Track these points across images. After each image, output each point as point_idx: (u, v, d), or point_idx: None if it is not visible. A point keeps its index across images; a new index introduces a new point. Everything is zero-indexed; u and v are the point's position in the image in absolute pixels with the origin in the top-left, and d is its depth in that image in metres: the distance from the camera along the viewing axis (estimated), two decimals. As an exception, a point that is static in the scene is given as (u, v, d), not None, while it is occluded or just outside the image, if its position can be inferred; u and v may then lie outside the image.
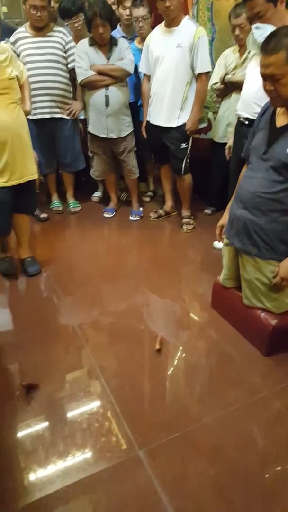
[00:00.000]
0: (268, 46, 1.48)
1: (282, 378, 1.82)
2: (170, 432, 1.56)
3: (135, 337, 2.07)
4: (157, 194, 3.73)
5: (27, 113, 2.41)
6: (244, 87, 2.34)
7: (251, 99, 2.23)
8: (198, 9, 3.23)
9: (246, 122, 2.31)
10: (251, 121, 2.24)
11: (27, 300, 2.41)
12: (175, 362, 1.94)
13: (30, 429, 1.59)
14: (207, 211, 3.36)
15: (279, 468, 1.46)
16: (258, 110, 2.07)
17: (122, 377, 1.82)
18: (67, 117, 3.07)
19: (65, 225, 3.28)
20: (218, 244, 2.78)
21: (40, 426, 1.60)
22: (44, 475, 1.42)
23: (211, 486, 1.39)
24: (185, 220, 3.19)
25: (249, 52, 2.66)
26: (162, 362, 1.92)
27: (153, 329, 2.15)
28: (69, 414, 1.65)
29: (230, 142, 2.68)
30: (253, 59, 2.30)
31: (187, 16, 2.72)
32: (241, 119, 2.37)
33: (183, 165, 2.97)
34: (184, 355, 1.99)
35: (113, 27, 2.83)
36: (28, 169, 2.32)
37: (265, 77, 1.54)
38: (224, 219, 2.03)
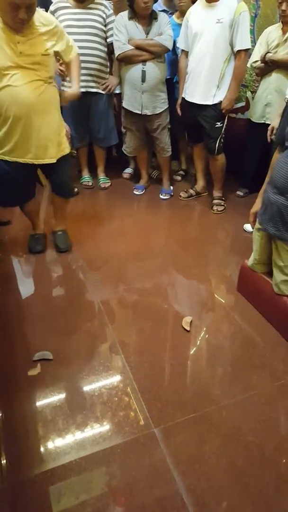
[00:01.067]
0: None
1: (305, 365, 1.72)
2: (187, 412, 1.51)
3: (158, 316, 2.01)
4: (188, 173, 3.60)
5: (74, 96, 2.19)
6: None
7: None
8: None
9: None
10: None
11: (53, 273, 2.38)
12: (197, 343, 1.87)
13: (49, 399, 1.57)
14: (239, 192, 3.20)
15: (296, 456, 1.39)
16: None
17: (142, 354, 1.77)
18: (103, 92, 2.95)
19: (94, 200, 3.22)
20: (248, 227, 2.64)
21: (58, 397, 1.58)
22: (60, 445, 1.40)
23: (225, 468, 1.34)
24: (216, 201, 3.06)
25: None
26: (183, 342, 1.85)
27: (177, 309, 2.09)
28: (88, 388, 1.62)
29: (274, 123, 2.48)
30: None
31: (228, -9, 2.52)
32: None
33: (217, 145, 2.82)
34: (206, 336, 1.92)
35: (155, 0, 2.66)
36: (47, 151, 2.07)
37: None
38: (257, 205, 1.89)
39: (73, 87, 2.20)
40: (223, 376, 1.69)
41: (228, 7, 2.44)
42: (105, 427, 1.47)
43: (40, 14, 1.89)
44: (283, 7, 2.42)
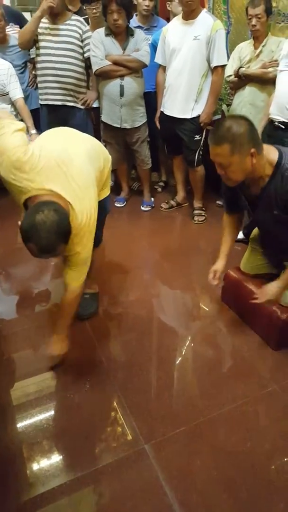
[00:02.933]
0: (214, 138, 1.44)
1: (290, 372, 1.73)
2: (177, 426, 1.49)
3: (144, 328, 1.99)
4: (169, 184, 3.61)
5: None
6: (279, 88, 2.19)
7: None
8: (214, 2, 3.08)
9: (283, 127, 2.17)
10: (287, 125, 2.12)
11: (33, 289, 2.31)
12: (184, 355, 1.86)
13: (34, 420, 1.52)
14: (219, 202, 3.23)
15: (285, 463, 1.38)
16: None
17: (129, 368, 1.74)
18: (80, 106, 2.95)
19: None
20: None
21: (44, 417, 1.54)
22: (48, 468, 1.35)
23: (217, 481, 1.32)
24: (196, 212, 3.07)
25: (264, 45, 2.51)
26: (170, 354, 1.83)
27: (163, 320, 2.07)
28: (74, 406, 1.58)
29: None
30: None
31: (204, 9, 2.60)
32: (276, 123, 2.22)
33: (196, 157, 2.85)
34: (193, 347, 1.91)
35: (129, 17, 2.68)
36: None
37: (215, 163, 1.49)
38: (220, 262, 1.87)
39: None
40: (211, 386, 1.67)
41: (205, 25, 2.49)
42: (95, 446, 1.43)
43: None
44: (253, 22, 2.48)
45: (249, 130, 1.42)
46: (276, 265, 1.83)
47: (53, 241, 1.29)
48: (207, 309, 2.16)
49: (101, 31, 2.70)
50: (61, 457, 1.39)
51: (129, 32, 2.70)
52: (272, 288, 1.65)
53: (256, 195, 1.59)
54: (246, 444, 1.43)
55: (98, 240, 1.89)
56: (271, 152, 1.50)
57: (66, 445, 1.42)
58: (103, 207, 1.75)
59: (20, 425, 1.50)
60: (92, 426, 1.49)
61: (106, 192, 1.82)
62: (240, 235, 2.57)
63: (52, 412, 1.56)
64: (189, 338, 1.96)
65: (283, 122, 2.15)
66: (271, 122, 2.28)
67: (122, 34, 2.68)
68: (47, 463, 1.37)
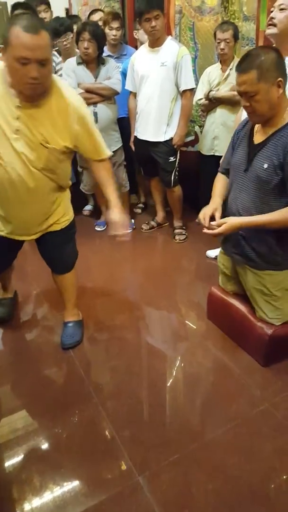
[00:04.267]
0: (241, 66, 1.46)
1: (281, 388, 1.70)
2: (171, 453, 1.43)
3: (132, 353, 1.94)
4: (148, 205, 3.62)
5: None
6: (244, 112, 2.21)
7: None
8: (180, 29, 3.17)
9: None
10: None
11: (16, 318, 2.23)
12: (174, 378, 1.82)
13: (22, 457, 1.45)
14: (198, 220, 3.25)
15: (284, 483, 1.34)
16: None
17: (118, 397, 1.68)
18: None
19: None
20: (211, 253, 2.66)
21: (32, 454, 1.46)
22: (39, 509, 1.28)
23: (215, 507, 1.27)
24: (177, 231, 3.08)
25: (231, 68, 2.59)
26: (160, 379, 1.79)
27: (150, 342, 2.04)
28: (63, 441, 1.51)
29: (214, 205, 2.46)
30: None
31: (170, 37, 2.67)
32: None
33: (172, 178, 2.88)
34: (182, 369, 1.87)
35: (101, 48, 2.74)
36: (29, 230, 1.77)
37: (241, 94, 1.51)
38: (210, 206, 1.75)
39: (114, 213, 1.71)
40: (203, 409, 1.64)
41: (171, 52, 2.56)
42: (86, 482, 1.36)
43: None
44: (222, 46, 2.56)
45: (277, 59, 1.44)
46: (235, 248, 1.77)
47: None
48: (194, 328, 2.14)
49: (73, 60, 2.75)
50: (52, 496, 1.31)
51: (100, 61, 2.75)
52: (233, 221, 1.59)
53: (259, 143, 1.58)
54: (242, 468, 1.39)
55: (71, 261, 1.99)
56: None
57: (57, 483, 1.35)
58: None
59: (8, 463, 1.42)
60: (83, 461, 1.42)
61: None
62: (211, 254, 2.59)
63: (40, 449, 1.48)
64: (178, 360, 1.92)
65: None
66: None
67: (94, 63, 2.73)
68: (38, 502, 1.29)
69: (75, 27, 2.97)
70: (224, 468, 1.39)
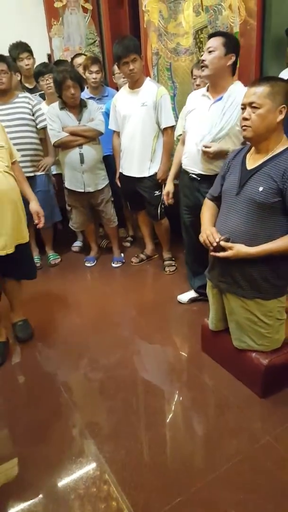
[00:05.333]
0: (255, 81, 1.61)
1: (281, 419, 1.69)
2: (173, 497, 1.39)
3: (128, 391, 1.91)
4: (137, 238, 3.66)
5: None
6: (188, 144, 2.27)
7: (198, 155, 2.18)
8: (158, 70, 3.33)
9: (198, 178, 2.25)
10: (202, 176, 2.22)
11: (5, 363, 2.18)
12: (172, 416, 1.78)
13: (18, 509, 1.39)
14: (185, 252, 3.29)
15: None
16: (209, 165, 2.14)
17: (116, 439, 1.64)
18: (40, 173, 3.03)
19: (46, 279, 3.11)
20: (183, 298, 2.63)
21: (29, 505, 1.41)
22: None
23: None
24: (166, 262, 3.11)
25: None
26: (158, 418, 1.76)
27: (147, 378, 2.01)
28: (60, 490, 1.46)
29: (169, 187, 2.60)
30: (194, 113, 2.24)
31: (148, 78, 2.79)
32: (191, 175, 2.29)
33: (159, 211, 2.94)
34: (180, 406, 1.84)
35: (82, 90, 2.86)
36: None
37: (245, 106, 1.59)
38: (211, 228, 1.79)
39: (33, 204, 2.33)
40: (203, 447, 1.60)
41: (150, 92, 2.67)
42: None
43: None
44: (197, 82, 2.68)
45: (287, 89, 1.55)
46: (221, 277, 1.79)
47: None
48: (190, 362, 2.12)
49: (56, 105, 2.85)
50: None
51: (82, 104, 2.86)
52: (242, 249, 1.63)
53: (252, 168, 1.64)
54: (248, 507, 1.35)
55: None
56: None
57: None
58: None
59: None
60: (83, 510, 1.37)
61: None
62: (184, 299, 2.61)
63: (37, 499, 1.43)
64: (175, 396, 1.89)
65: (198, 174, 2.24)
66: (186, 173, 2.34)
67: (77, 107, 2.84)
68: None
69: None
70: (228, 509, 1.35)
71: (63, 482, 1.49)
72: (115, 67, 3.07)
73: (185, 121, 2.32)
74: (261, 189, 1.58)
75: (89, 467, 1.53)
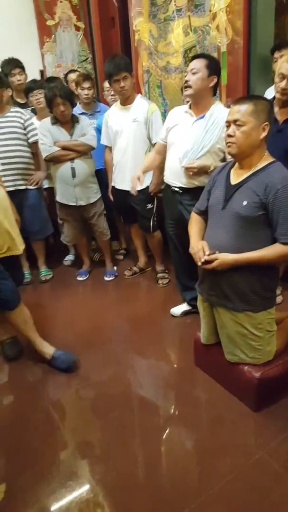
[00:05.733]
0: (241, 99, 1.65)
1: (275, 433, 1.67)
2: (168, 517, 1.36)
3: (121, 409, 1.88)
4: (130, 251, 3.67)
5: None
6: (169, 158, 2.31)
7: (181, 170, 2.22)
8: (149, 87, 3.39)
9: (180, 191, 2.29)
10: (183, 189, 2.26)
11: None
12: (165, 434, 1.75)
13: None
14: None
15: None
16: (191, 179, 2.19)
17: (108, 460, 1.60)
18: (32, 187, 3.05)
19: (38, 295, 3.09)
20: (176, 311, 2.63)
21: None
22: None
23: None
24: (160, 275, 3.12)
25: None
26: (150, 436, 1.73)
27: (141, 395, 1.99)
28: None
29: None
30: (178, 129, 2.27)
31: (139, 95, 2.85)
32: (173, 188, 2.32)
33: (151, 223, 2.96)
34: (173, 423, 1.82)
35: (73, 106, 2.89)
36: None
37: (230, 123, 1.63)
38: (200, 242, 1.79)
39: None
40: (197, 465, 1.58)
41: (141, 108, 2.72)
42: None
43: None
44: (188, 99, 2.73)
45: (270, 108, 1.63)
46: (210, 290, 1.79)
47: None
48: (183, 376, 2.10)
49: (47, 120, 2.88)
50: None
51: (74, 120, 2.89)
52: (226, 257, 1.64)
53: (236, 183, 1.68)
54: (243, 526, 1.33)
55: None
56: (270, 157, 1.68)
57: None
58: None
59: None
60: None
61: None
62: (176, 312, 2.61)
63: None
64: (168, 413, 1.88)
65: (180, 187, 2.27)
66: (168, 187, 2.38)
67: (68, 122, 2.87)
68: None
69: None
70: (223, 529, 1.33)
71: (54, 508, 1.44)
72: (106, 83, 3.12)
73: (167, 135, 2.35)
74: (245, 203, 1.61)
75: (80, 490, 1.49)
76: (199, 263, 1.72)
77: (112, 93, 3.05)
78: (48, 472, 1.57)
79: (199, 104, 2.18)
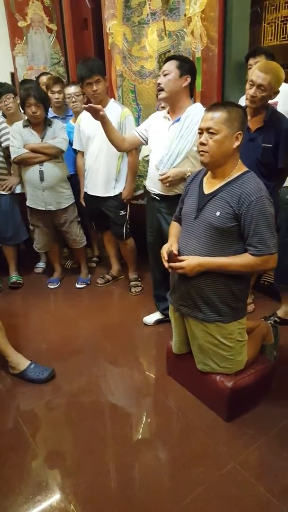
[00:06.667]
0: (214, 106, 1.63)
1: (246, 443, 1.69)
2: (138, 533, 1.35)
3: (93, 419, 1.86)
4: (102, 258, 3.65)
5: None
6: (150, 163, 2.31)
7: (157, 176, 2.22)
8: (122, 92, 3.40)
9: (158, 198, 2.29)
10: (162, 196, 2.26)
11: None
12: (136, 444, 1.75)
13: None
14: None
15: None
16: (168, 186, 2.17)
17: (79, 471, 1.59)
18: (4, 193, 3.00)
19: (6, 302, 3.03)
20: (148, 320, 2.64)
21: None
22: None
23: None
24: (132, 283, 3.11)
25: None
26: (122, 446, 1.72)
27: (113, 402, 1.97)
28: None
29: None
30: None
31: (112, 99, 2.84)
32: (152, 195, 2.33)
33: (124, 230, 2.95)
34: (145, 433, 1.82)
35: (47, 109, 2.87)
36: None
37: (203, 130, 1.62)
38: (169, 243, 1.83)
39: None
40: (169, 476, 1.58)
41: (114, 113, 2.71)
42: None
43: None
44: (162, 104, 2.74)
45: (244, 116, 1.61)
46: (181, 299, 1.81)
47: None
48: (155, 386, 2.11)
49: (20, 123, 2.85)
50: None
51: (47, 123, 2.86)
52: (194, 259, 1.65)
53: (209, 193, 1.68)
54: (214, 539, 1.33)
55: None
56: (244, 167, 1.68)
57: None
58: None
59: None
60: None
61: None
62: (149, 320, 2.63)
63: None
64: (140, 423, 1.86)
65: (158, 194, 2.28)
66: (148, 193, 2.39)
67: (40, 125, 2.84)
68: None
69: None
70: None
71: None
72: (69, 89, 3.10)
73: (148, 137, 2.34)
74: (218, 214, 1.62)
75: (50, 503, 1.46)
76: (165, 263, 1.73)
77: (74, 99, 3.05)
78: (16, 486, 1.53)
79: (175, 106, 2.15)
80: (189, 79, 2.10)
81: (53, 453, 1.69)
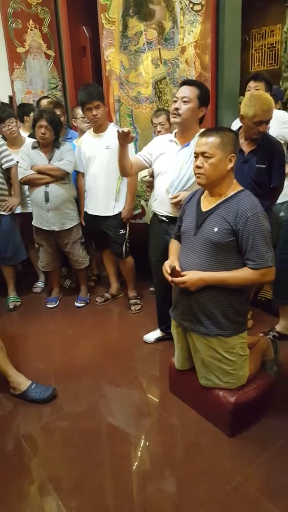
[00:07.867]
0: (207, 132, 1.74)
1: (250, 458, 1.72)
2: None
3: (94, 440, 1.87)
4: (101, 277, 3.70)
5: None
6: (158, 188, 2.36)
7: (167, 199, 2.27)
8: (120, 116, 3.53)
9: (167, 220, 2.34)
10: (170, 218, 2.31)
11: None
12: (140, 463, 1.76)
13: None
14: (152, 288, 3.35)
15: None
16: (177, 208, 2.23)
17: (81, 493, 1.58)
18: (4, 213, 3.08)
19: (4, 323, 3.05)
20: (149, 337, 2.68)
21: None
22: None
23: None
24: (132, 301, 3.16)
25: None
26: (125, 466, 1.73)
27: (114, 424, 1.99)
28: None
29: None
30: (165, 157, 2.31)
31: (112, 123, 2.98)
32: (160, 217, 2.38)
33: (124, 249, 3.03)
34: (148, 452, 1.83)
35: (57, 133, 2.94)
36: None
37: (198, 154, 1.72)
38: (170, 261, 1.90)
39: None
40: (174, 494, 1.59)
41: (114, 136, 2.75)
42: None
43: None
44: (158, 129, 2.89)
45: (235, 139, 1.73)
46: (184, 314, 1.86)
47: None
48: (157, 404, 2.13)
49: (29, 144, 2.98)
50: None
51: (55, 145, 2.97)
52: (195, 274, 1.72)
53: (207, 210, 1.77)
54: None
55: None
56: (239, 186, 1.78)
57: None
58: None
59: None
60: None
61: None
62: (150, 338, 2.68)
63: None
64: (143, 441, 1.88)
65: (167, 215, 2.34)
66: (155, 215, 2.45)
67: (49, 147, 2.94)
68: None
69: (31, 114, 3.37)
70: None
71: None
72: (78, 111, 3.23)
73: (153, 162, 2.38)
74: (216, 229, 1.71)
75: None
76: (168, 277, 1.80)
77: (87, 120, 3.15)
78: (18, 508, 1.54)
79: (185, 132, 2.22)
80: (204, 111, 2.19)
81: (56, 474, 1.69)
